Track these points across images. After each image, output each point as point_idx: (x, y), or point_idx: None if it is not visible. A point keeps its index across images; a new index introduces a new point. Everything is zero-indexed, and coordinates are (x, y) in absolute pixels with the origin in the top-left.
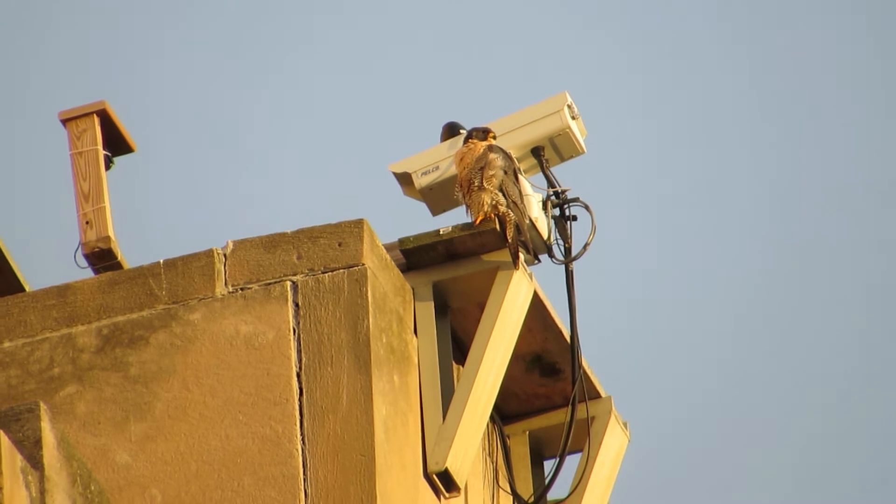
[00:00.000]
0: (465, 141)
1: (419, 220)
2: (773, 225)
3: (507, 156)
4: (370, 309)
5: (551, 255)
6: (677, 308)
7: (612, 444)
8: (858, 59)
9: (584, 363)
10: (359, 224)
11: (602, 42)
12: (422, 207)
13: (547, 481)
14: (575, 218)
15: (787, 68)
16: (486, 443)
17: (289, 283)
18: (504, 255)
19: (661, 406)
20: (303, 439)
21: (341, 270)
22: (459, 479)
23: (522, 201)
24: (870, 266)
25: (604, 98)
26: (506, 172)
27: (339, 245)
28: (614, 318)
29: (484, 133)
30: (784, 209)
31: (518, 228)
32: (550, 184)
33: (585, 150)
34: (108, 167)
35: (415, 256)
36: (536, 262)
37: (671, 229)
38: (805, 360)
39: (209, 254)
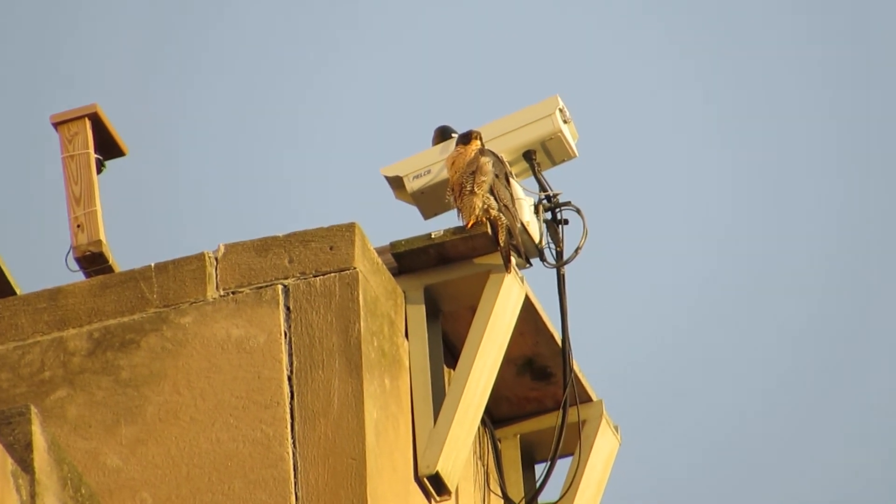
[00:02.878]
0: (456, 145)
1: (411, 224)
2: (764, 227)
3: (498, 159)
4: (361, 312)
5: (543, 259)
6: (669, 312)
7: (603, 448)
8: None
9: (576, 367)
10: (350, 228)
11: (595, 43)
12: (413, 211)
13: (538, 485)
14: (566, 222)
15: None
16: (478, 446)
17: (280, 287)
18: (496, 259)
19: (653, 410)
20: (294, 443)
21: (333, 274)
22: (450, 483)
23: (514, 205)
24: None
25: (597, 101)
26: (497, 176)
27: (331, 249)
28: (606, 322)
29: (466, 138)
30: (774, 214)
31: (510, 232)
32: (542, 187)
33: (577, 154)
34: (99, 171)
35: (406, 260)
36: (528, 265)
37: (663, 233)
38: (801, 348)
39: (200, 257)
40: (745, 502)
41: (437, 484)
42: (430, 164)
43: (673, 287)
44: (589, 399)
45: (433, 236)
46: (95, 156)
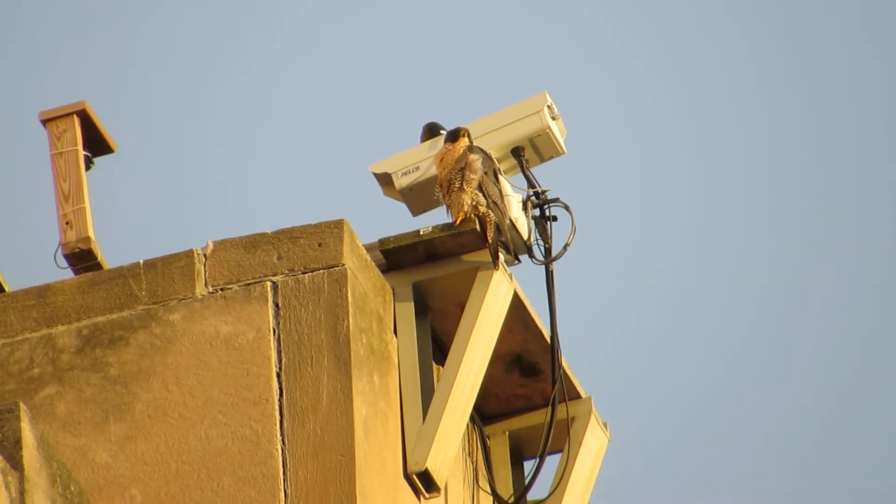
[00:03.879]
0: (445, 142)
1: (399, 221)
2: (756, 225)
3: (486, 156)
4: (350, 309)
5: (531, 256)
6: (659, 309)
7: (593, 445)
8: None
9: (565, 364)
10: (339, 224)
11: (584, 41)
12: (402, 208)
13: (527, 482)
14: (555, 218)
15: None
16: (467, 443)
17: (269, 284)
18: (484, 256)
19: (642, 407)
20: (283, 439)
21: (321, 271)
22: (439, 480)
23: (503, 202)
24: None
25: (585, 98)
26: (486, 173)
27: (320, 245)
28: (595, 319)
29: (454, 135)
30: (769, 210)
31: (498, 229)
32: (530, 184)
33: (565, 151)
34: (88, 168)
35: (395, 257)
36: (516, 262)
37: (652, 229)
38: (791, 359)
39: (189, 254)
40: (736, 495)
41: (426, 481)
42: (419, 160)
43: (662, 283)
44: (578, 396)
45: (422, 233)
46: (84, 153)
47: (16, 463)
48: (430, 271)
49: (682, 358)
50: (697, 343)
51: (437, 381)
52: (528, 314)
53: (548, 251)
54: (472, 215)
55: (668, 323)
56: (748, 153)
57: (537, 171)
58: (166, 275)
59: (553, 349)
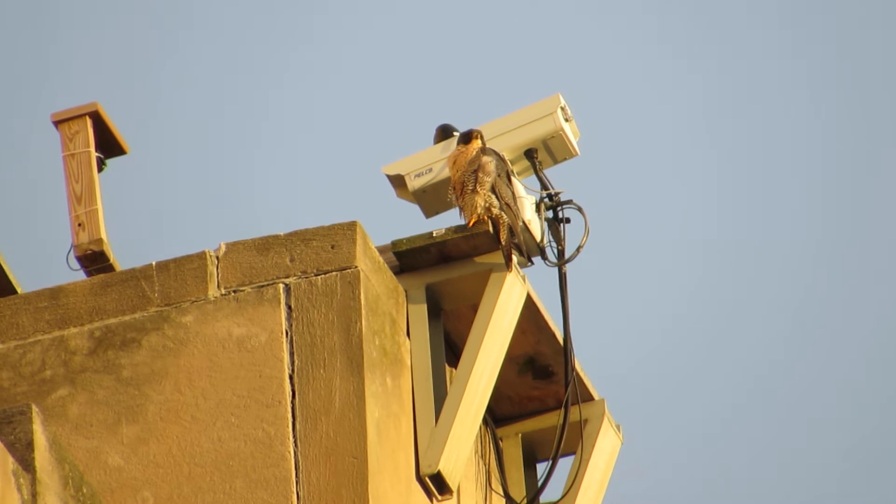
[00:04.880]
0: (458, 144)
1: (412, 223)
2: (769, 229)
3: (500, 158)
4: (363, 311)
5: (544, 258)
6: (672, 310)
7: (605, 447)
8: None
9: (577, 366)
10: (352, 226)
11: (597, 41)
12: (415, 210)
13: (540, 484)
14: (568, 220)
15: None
16: (479, 445)
17: (281, 286)
18: (497, 258)
19: (655, 409)
20: (295, 442)
21: (334, 273)
22: (452, 482)
23: (515, 203)
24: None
25: (598, 99)
26: (499, 175)
27: (332, 247)
28: (608, 321)
29: (467, 137)
30: (780, 214)
31: (511, 231)
32: (544, 186)
33: (579, 153)
34: (100, 169)
35: (408, 259)
36: (529, 264)
37: (665, 231)
38: (807, 361)
39: (202, 256)
40: (745, 498)
41: (438, 483)
42: (432, 162)
43: (675, 285)
44: (591, 398)
45: (435, 235)
46: (96, 154)
47: (28, 465)
48: (443, 273)
49: (696, 359)
50: (710, 344)
51: (450, 383)
52: (541, 316)
53: (561, 253)
54: (486, 217)
55: (681, 324)
56: (763, 155)
57: (550, 173)
58: (179, 277)
59: (566, 351)
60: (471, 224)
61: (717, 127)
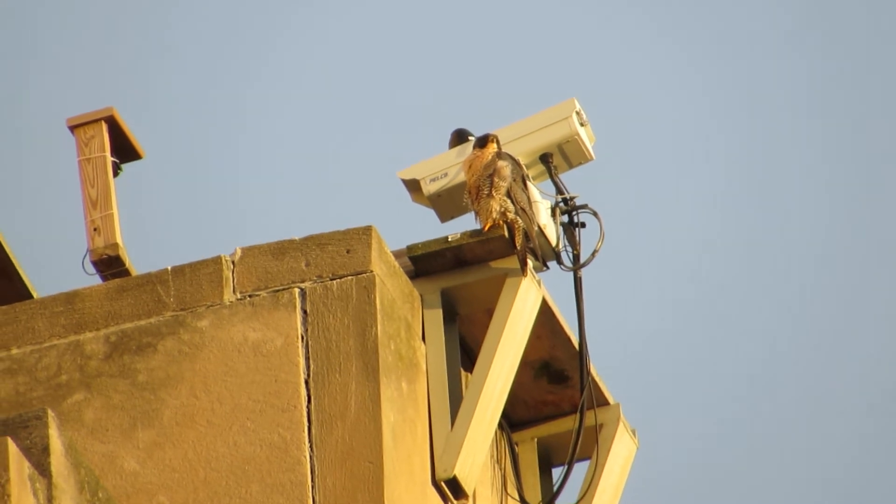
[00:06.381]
0: (473, 148)
1: (428, 227)
2: (782, 229)
3: (515, 162)
4: (378, 316)
5: (560, 262)
6: (687, 315)
7: (621, 452)
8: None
9: (593, 370)
10: (367, 231)
11: (613, 46)
12: (430, 214)
13: (555, 489)
14: (583, 225)
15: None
16: (495, 450)
17: (297, 290)
18: (512, 262)
19: (670, 414)
20: (311, 446)
21: (350, 277)
22: (468, 487)
23: (531, 208)
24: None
25: (614, 104)
26: (514, 179)
27: (348, 252)
28: (623, 326)
29: (483, 141)
30: (792, 215)
31: (526, 235)
32: (559, 190)
33: (594, 157)
34: (116, 174)
35: (423, 263)
36: (545, 268)
37: (680, 235)
38: (822, 354)
39: (217, 261)
40: (761, 501)
41: (454, 488)
42: (447, 167)
43: (690, 289)
44: (606, 402)
45: (450, 239)
46: (112, 159)
47: (44, 470)
48: (459, 278)
49: (711, 364)
50: (726, 349)
51: (466, 387)
52: (557, 321)
53: (576, 258)
54: (501, 222)
55: (696, 329)
56: (780, 159)
57: (566, 178)
58: (194, 281)
59: (581, 356)
60: (486, 228)
61: (731, 130)
